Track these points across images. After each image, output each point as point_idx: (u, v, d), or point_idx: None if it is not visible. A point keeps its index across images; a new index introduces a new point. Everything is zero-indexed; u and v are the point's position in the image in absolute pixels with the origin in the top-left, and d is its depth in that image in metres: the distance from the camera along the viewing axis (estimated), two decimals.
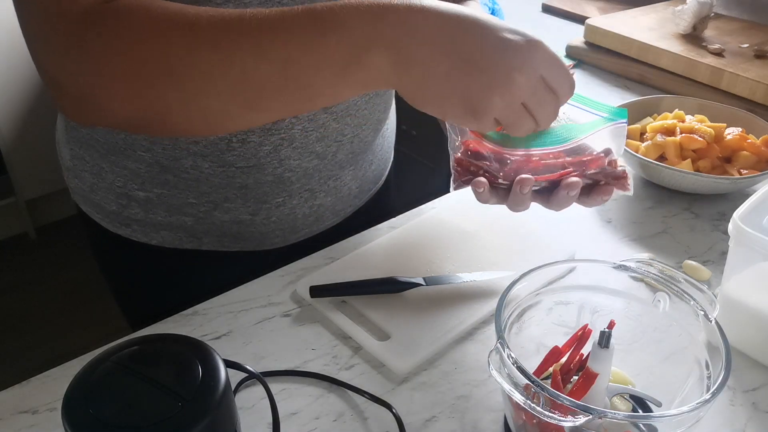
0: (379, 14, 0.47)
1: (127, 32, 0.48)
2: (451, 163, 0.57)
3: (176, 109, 0.51)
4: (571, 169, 0.56)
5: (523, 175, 0.55)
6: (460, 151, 0.57)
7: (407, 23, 0.48)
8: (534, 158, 0.56)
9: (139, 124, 0.53)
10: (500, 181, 0.56)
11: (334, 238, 0.75)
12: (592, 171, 0.56)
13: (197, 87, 0.49)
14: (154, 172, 0.69)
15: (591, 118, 0.59)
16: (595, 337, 0.47)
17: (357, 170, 0.78)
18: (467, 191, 0.58)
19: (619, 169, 0.57)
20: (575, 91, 0.55)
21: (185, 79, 0.49)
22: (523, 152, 0.56)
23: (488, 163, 0.56)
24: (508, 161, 0.56)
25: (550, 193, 0.57)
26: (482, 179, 0.56)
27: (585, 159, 0.56)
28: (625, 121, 0.58)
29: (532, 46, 0.49)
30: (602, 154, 0.57)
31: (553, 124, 0.58)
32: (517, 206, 0.57)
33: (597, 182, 0.57)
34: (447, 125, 0.57)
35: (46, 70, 0.52)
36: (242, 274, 0.69)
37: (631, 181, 0.57)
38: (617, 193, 0.58)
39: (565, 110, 0.60)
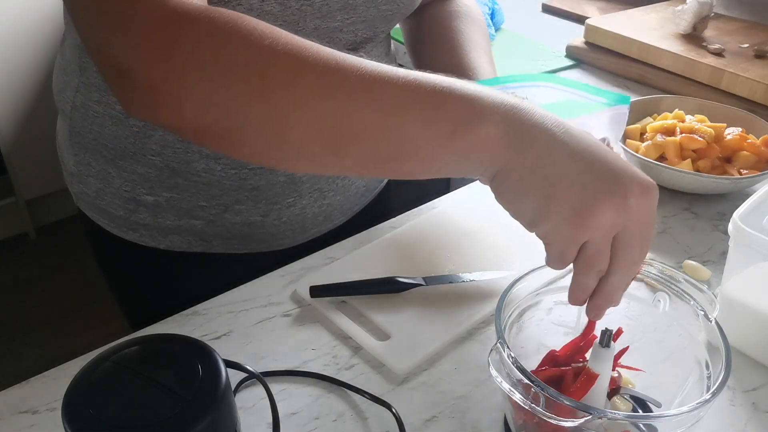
0: (507, 102, 0.45)
1: (225, 38, 0.45)
2: None
3: (253, 128, 0.46)
4: None
5: None
6: None
7: (533, 119, 0.45)
8: None
9: (206, 134, 0.48)
10: None
11: (340, 238, 0.75)
12: None
13: (283, 112, 0.45)
14: (165, 176, 0.69)
15: (592, 101, 0.58)
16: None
17: None
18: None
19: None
20: (577, 81, 0.52)
21: (275, 100, 0.44)
22: None
23: None
24: None
25: None
26: None
27: None
28: (626, 107, 0.56)
29: (652, 186, 0.45)
30: None
31: (551, 102, 0.56)
32: None
33: None
34: None
35: (116, 59, 0.46)
36: (249, 275, 0.69)
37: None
38: None
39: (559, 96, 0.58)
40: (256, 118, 0.45)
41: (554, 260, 0.46)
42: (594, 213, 0.43)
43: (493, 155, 0.45)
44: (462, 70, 0.73)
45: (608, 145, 0.56)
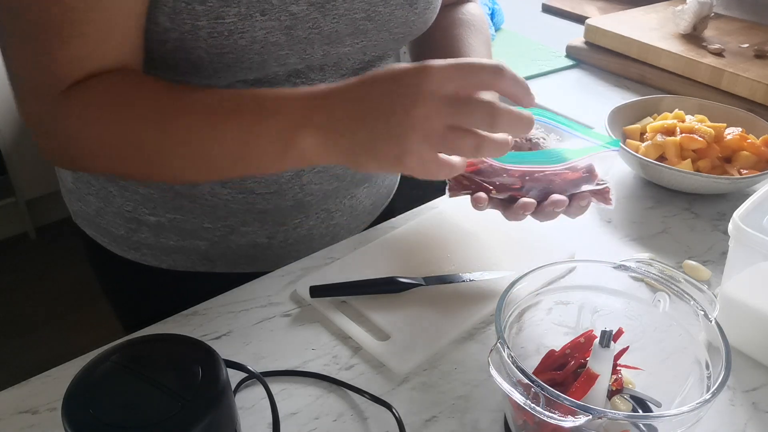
0: (307, 99, 0.52)
1: (99, 114, 0.55)
2: None
3: (147, 176, 0.60)
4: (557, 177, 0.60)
5: (526, 200, 0.58)
6: None
7: (328, 104, 0.52)
8: (526, 175, 0.59)
9: (115, 177, 0.65)
10: (493, 194, 0.60)
11: None
12: (576, 186, 0.60)
13: (162, 163, 0.56)
14: (168, 197, 0.68)
15: (586, 144, 0.62)
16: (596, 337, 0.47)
17: (371, 187, 0.78)
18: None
19: (602, 185, 0.61)
20: (573, 121, 0.58)
21: (153, 157, 0.56)
22: (517, 168, 0.59)
23: (482, 179, 0.60)
24: (503, 175, 0.60)
25: (536, 204, 0.60)
26: (482, 195, 0.59)
27: (567, 173, 0.60)
28: (618, 149, 0.61)
29: (418, 75, 0.49)
30: (582, 169, 0.61)
31: (549, 145, 0.63)
32: (514, 218, 0.60)
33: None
34: None
35: (31, 129, 0.58)
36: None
37: (613, 195, 0.61)
38: (598, 204, 0.61)
39: (560, 136, 0.63)
40: (144, 171, 0.58)
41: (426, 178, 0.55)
42: (406, 153, 0.50)
43: (320, 158, 0.53)
44: None
45: (594, 175, 0.61)
